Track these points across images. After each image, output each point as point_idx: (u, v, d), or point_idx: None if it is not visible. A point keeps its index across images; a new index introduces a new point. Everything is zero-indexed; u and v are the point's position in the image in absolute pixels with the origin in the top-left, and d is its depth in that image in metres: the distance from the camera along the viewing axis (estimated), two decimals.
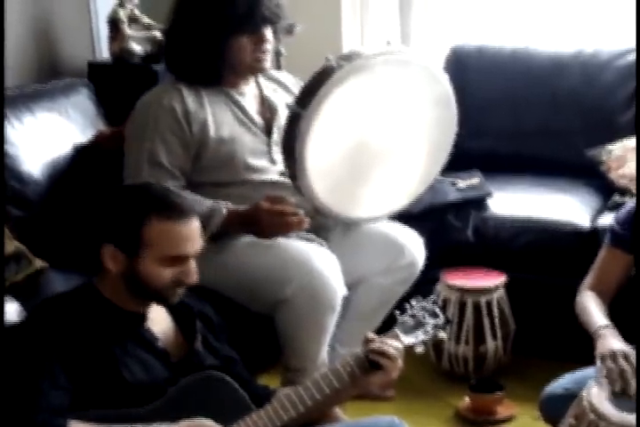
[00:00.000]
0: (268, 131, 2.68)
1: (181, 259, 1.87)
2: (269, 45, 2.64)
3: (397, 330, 2.03)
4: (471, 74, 3.56)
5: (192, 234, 1.88)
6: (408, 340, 2.02)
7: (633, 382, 2.00)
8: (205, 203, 2.50)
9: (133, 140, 2.60)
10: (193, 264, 1.90)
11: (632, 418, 1.93)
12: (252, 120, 2.67)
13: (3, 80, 2.59)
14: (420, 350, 2.04)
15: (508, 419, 2.86)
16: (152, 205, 1.86)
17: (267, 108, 2.72)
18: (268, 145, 2.67)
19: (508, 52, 3.59)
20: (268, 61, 2.67)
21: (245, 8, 2.56)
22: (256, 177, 2.64)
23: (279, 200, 2.49)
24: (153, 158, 2.52)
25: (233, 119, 2.64)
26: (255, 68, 2.66)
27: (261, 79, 2.75)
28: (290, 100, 2.63)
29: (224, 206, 2.50)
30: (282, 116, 2.67)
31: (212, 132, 2.58)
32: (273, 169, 2.66)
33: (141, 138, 2.55)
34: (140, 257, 1.84)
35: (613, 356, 2.04)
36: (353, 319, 2.72)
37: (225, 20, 2.56)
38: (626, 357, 2.04)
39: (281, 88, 2.78)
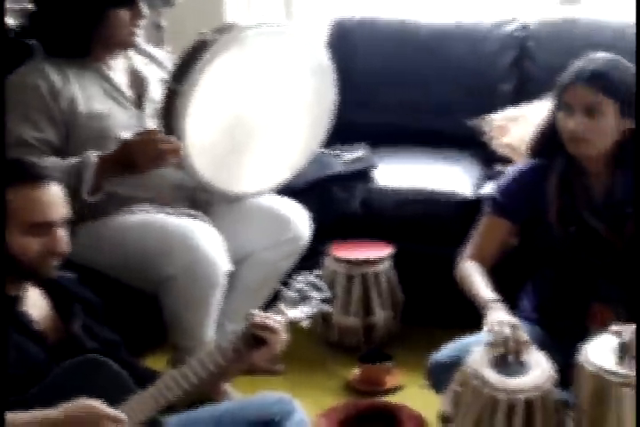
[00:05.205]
0: (139, 104, 2.63)
1: (46, 226, 1.83)
2: (144, 21, 2.60)
3: (281, 304, 2.03)
4: (356, 47, 3.57)
5: (52, 199, 1.84)
6: (293, 314, 2.02)
7: (513, 350, 2.04)
8: (70, 160, 2.42)
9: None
10: (61, 232, 1.86)
11: (514, 382, 1.98)
12: (122, 94, 2.61)
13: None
14: (305, 323, 2.06)
15: (397, 388, 2.88)
16: (8, 175, 1.82)
17: (137, 81, 2.66)
18: (140, 119, 2.61)
19: (391, 24, 3.60)
20: (139, 36, 2.61)
21: None
22: None
23: (147, 132, 2.42)
24: (20, 138, 2.45)
25: (102, 93, 2.58)
26: (126, 43, 2.60)
27: (131, 53, 2.69)
28: (162, 74, 2.61)
29: (93, 155, 2.41)
30: (153, 90, 2.63)
31: (81, 107, 2.52)
32: None
33: (7, 120, 2.45)
34: (7, 230, 1.80)
35: (501, 324, 2.08)
36: (240, 295, 2.70)
37: None
38: (513, 326, 2.07)
39: (152, 62, 2.72)
